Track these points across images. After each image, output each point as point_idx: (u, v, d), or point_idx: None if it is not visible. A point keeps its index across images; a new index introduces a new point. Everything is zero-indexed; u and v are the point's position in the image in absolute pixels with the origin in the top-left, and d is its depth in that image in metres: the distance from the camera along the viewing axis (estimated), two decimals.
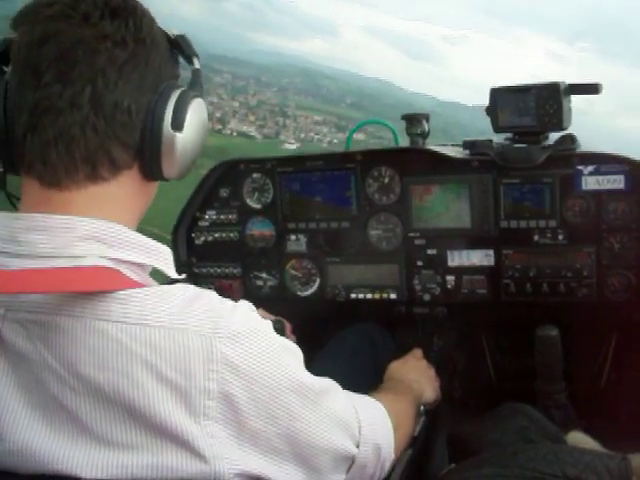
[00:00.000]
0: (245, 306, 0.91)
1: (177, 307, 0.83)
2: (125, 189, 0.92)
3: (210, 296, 0.89)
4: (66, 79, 0.84)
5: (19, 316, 0.82)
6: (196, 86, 0.99)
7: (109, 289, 0.82)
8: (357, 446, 1.05)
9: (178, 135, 0.92)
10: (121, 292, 0.82)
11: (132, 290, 0.83)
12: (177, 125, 0.92)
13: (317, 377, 0.97)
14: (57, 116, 0.85)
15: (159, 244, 0.95)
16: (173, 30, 0.99)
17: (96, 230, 0.87)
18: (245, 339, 0.85)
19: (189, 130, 0.93)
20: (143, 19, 0.91)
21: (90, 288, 0.81)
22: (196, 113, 0.95)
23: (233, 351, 0.83)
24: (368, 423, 1.08)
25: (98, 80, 0.85)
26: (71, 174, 0.87)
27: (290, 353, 0.94)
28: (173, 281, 0.98)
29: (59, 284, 0.80)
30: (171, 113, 0.91)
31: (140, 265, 0.91)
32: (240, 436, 0.84)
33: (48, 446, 0.79)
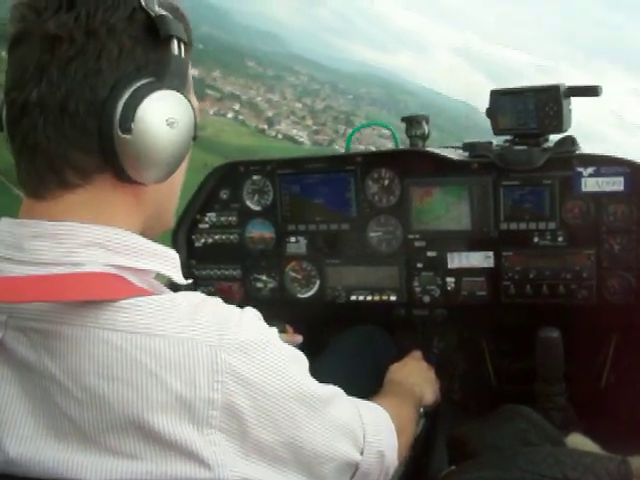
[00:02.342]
0: (251, 314, 0.89)
1: (182, 316, 0.82)
2: (108, 194, 0.87)
3: (216, 304, 0.87)
4: (21, 84, 0.82)
5: (22, 324, 0.81)
6: (167, 76, 0.86)
7: (112, 297, 0.80)
8: (361, 453, 1.04)
9: (127, 137, 0.81)
10: (125, 301, 0.80)
11: (136, 298, 0.81)
12: (123, 126, 0.81)
13: (322, 385, 0.96)
14: (17, 124, 0.83)
15: (165, 248, 0.92)
16: (157, 9, 0.85)
17: (100, 236, 0.85)
18: (251, 349, 0.83)
19: (143, 130, 0.82)
20: (101, 5, 0.81)
21: (92, 296, 0.80)
22: (153, 109, 0.83)
23: (239, 361, 0.82)
24: (372, 429, 1.08)
25: (42, 83, 0.81)
26: (41, 183, 0.85)
27: (296, 361, 0.92)
28: (177, 287, 0.97)
29: (60, 293, 0.79)
30: (119, 113, 0.81)
31: (145, 270, 0.89)
32: (244, 445, 0.83)
33: (53, 456, 0.78)
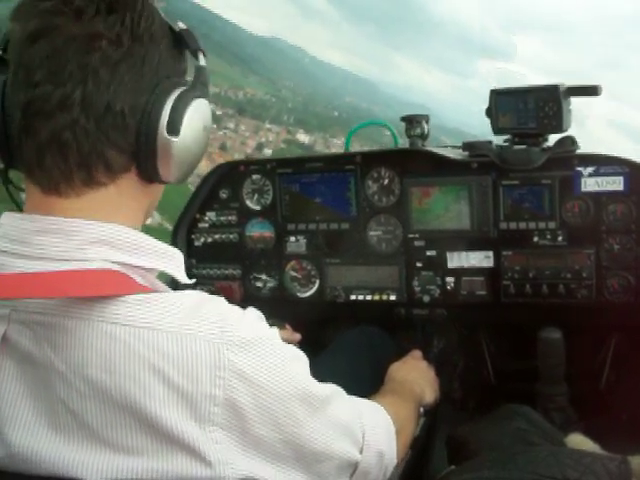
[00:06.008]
0: (253, 314, 0.91)
1: (186, 312, 0.83)
2: (125, 194, 0.90)
3: (219, 302, 0.88)
4: (56, 79, 0.82)
5: (25, 317, 0.81)
6: (198, 85, 0.93)
7: (115, 294, 0.81)
8: (360, 452, 1.05)
9: (174, 140, 0.87)
10: (130, 296, 0.81)
11: (141, 294, 0.82)
12: (173, 129, 0.87)
13: (322, 384, 0.96)
14: (48, 118, 0.82)
15: (170, 247, 0.94)
16: (179, 23, 0.92)
17: (105, 234, 0.86)
18: (253, 346, 0.84)
19: (187, 134, 0.88)
20: (143, 13, 0.86)
21: (96, 293, 0.80)
22: (196, 115, 0.90)
23: (240, 358, 0.83)
24: (372, 429, 1.08)
25: (89, 81, 0.82)
26: (67, 180, 0.85)
27: (296, 360, 0.94)
28: (178, 286, 0.97)
29: (64, 288, 0.79)
30: (167, 116, 0.86)
31: (149, 269, 0.90)
32: (244, 442, 0.84)
33: (54, 451, 0.79)
